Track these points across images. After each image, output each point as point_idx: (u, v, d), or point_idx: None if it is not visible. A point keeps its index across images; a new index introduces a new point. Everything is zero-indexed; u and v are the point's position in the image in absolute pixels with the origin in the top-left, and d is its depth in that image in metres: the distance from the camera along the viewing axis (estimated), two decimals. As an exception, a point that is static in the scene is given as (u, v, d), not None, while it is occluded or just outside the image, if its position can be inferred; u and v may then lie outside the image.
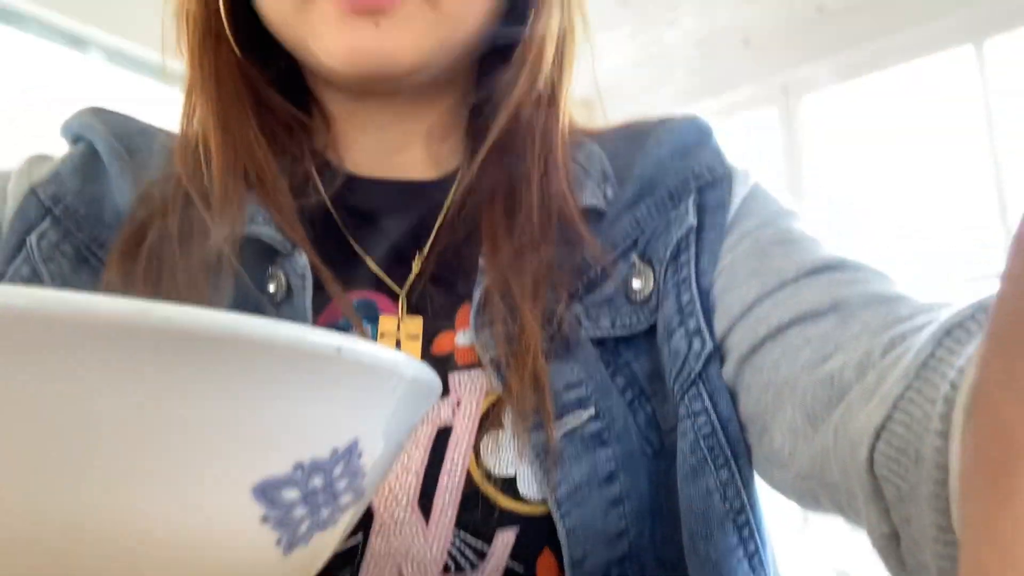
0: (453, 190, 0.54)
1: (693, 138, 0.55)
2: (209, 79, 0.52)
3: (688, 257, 0.49)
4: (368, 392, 0.22)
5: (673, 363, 0.47)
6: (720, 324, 0.47)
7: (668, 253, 0.49)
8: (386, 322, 0.50)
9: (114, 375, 0.17)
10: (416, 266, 0.52)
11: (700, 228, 0.50)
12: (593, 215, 0.51)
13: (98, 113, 0.56)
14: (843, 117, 2.76)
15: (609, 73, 3.02)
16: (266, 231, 0.49)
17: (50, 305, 0.16)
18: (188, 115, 0.53)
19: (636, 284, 0.49)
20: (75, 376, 0.17)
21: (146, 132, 0.56)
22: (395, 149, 0.56)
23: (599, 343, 0.48)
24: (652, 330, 0.49)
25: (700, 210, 0.51)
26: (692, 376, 0.46)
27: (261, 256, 0.49)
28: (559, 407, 0.46)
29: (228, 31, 0.52)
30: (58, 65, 2.44)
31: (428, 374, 0.25)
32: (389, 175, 0.56)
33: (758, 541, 0.46)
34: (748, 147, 2.99)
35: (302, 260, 0.48)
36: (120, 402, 0.17)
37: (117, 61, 2.50)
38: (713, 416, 0.45)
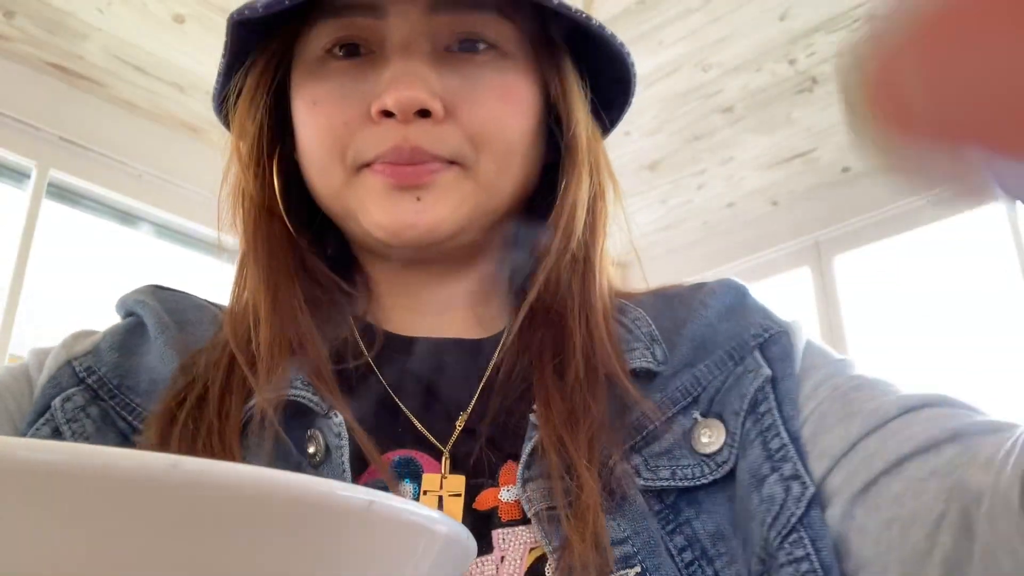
0: (498, 350, 0.55)
1: (733, 299, 0.56)
2: (262, 253, 0.55)
3: (769, 406, 0.49)
4: (402, 549, 0.22)
5: (768, 510, 0.45)
6: (818, 466, 0.46)
7: (745, 404, 0.49)
8: (429, 480, 0.50)
9: (141, 531, 0.17)
10: (460, 424, 0.52)
11: (774, 379, 0.50)
12: (644, 375, 0.52)
13: (154, 290, 0.59)
14: (877, 275, 2.76)
15: (640, 236, 3.08)
16: (304, 394, 0.50)
17: (80, 458, 0.16)
18: (240, 284, 0.56)
19: (704, 438, 0.49)
20: (102, 531, 0.17)
21: (201, 307, 0.59)
22: (438, 311, 0.58)
23: (658, 498, 0.47)
24: (717, 484, 0.48)
25: (769, 362, 0.51)
26: (792, 522, 0.44)
27: (300, 419, 0.50)
28: (605, 563, 0.44)
29: (282, 208, 0.57)
30: (110, 240, 2.54)
31: (463, 532, 0.24)
32: (432, 335, 0.57)
33: None
34: (784, 306, 3.00)
35: (339, 420, 0.49)
36: (147, 559, 0.17)
37: (166, 236, 2.60)
38: (816, 563, 0.43)
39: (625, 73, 0.58)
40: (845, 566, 0.44)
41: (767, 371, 0.50)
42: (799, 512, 0.44)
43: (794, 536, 0.44)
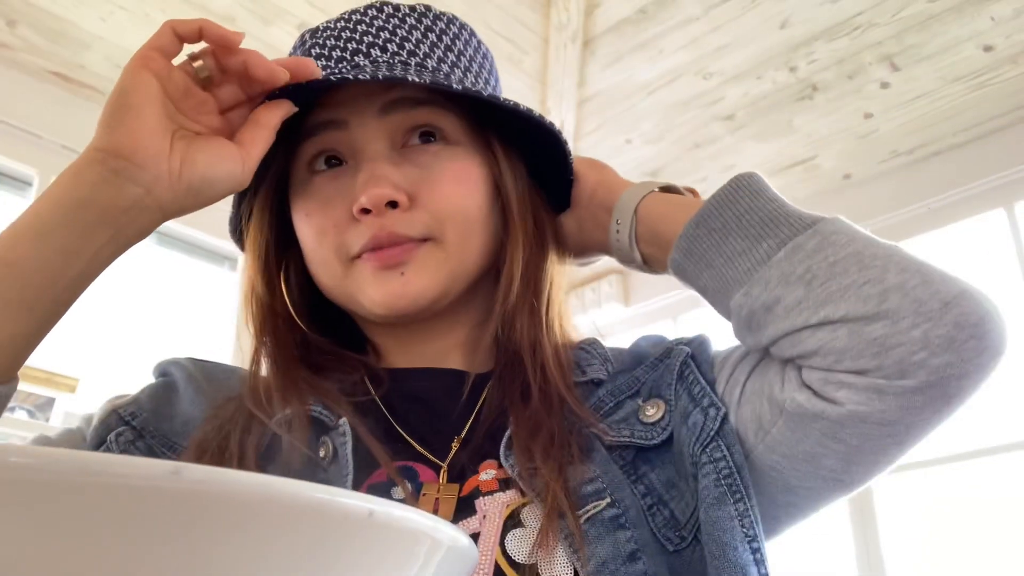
0: (489, 386, 0.67)
1: (662, 336, 0.73)
2: (270, 343, 0.68)
3: (691, 369, 0.64)
4: (403, 557, 0.22)
5: (692, 433, 0.60)
6: (724, 394, 0.64)
7: (674, 376, 0.64)
8: (428, 487, 0.61)
9: (144, 536, 0.17)
10: (455, 445, 0.64)
11: (693, 355, 0.66)
12: (598, 383, 0.67)
13: (189, 359, 0.72)
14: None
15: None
16: (317, 409, 0.62)
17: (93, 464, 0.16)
18: (255, 365, 0.68)
19: (648, 412, 0.63)
20: (106, 536, 0.17)
21: (228, 370, 0.72)
22: (438, 360, 0.70)
23: (620, 455, 0.61)
24: (664, 445, 0.62)
25: (690, 348, 0.67)
26: (711, 434, 0.59)
27: (314, 432, 0.61)
28: (580, 498, 0.57)
29: (289, 303, 0.70)
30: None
31: (464, 540, 0.24)
32: (432, 365, 0.70)
33: (767, 569, 0.56)
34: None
35: (344, 425, 0.60)
36: (149, 564, 0.17)
37: (167, 243, 2.60)
38: (730, 461, 0.58)
39: (560, 147, 0.70)
40: (747, 447, 0.60)
41: (687, 350, 0.66)
42: (715, 427, 0.60)
43: (712, 444, 0.59)
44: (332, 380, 0.66)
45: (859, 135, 2.59)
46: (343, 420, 0.61)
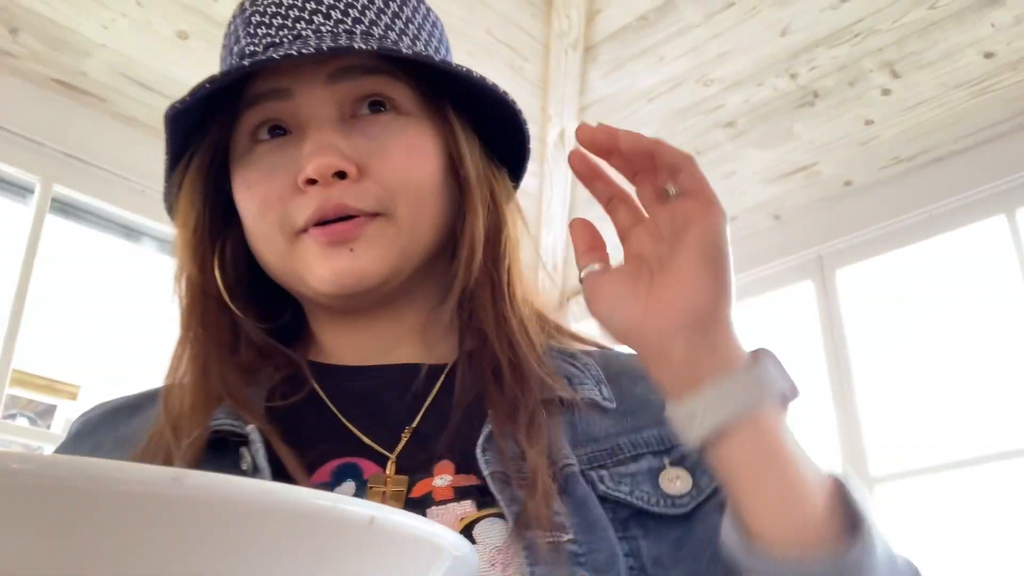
0: (444, 373, 0.64)
1: None
2: (197, 331, 0.64)
3: None
4: (406, 563, 0.22)
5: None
6: None
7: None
8: (375, 479, 0.57)
9: (143, 543, 0.17)
10: (406, 435, 0.60)
11: None
12: (592, 406, 0.62)
13: (101, 407, 0.68)
14: (880, 289, 2.76)
15: (643, 250, 3.08)
16: (225, 423, 0.57)
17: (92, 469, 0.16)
18: (176, 360, 0.63)
19: (672, 481, 0.57)
20: (105, 542, 0.17)
21: (152, 395, 0.66)
22: (387, 349, 0.66)
23: (613, 509, 0.56)
24: (669, 520, 0.56)
25: None
26: None
27: (230, 447, 0.57)
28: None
29: (221, 287, 0.65)
30: (113, 255, 2.54)
31: (466, 545, 0.24)
32: (382, 363, 0.65)
33: None
34: (786, 320, 2.99)
35: (253, 433, 0.56)
36: (149, 571, 0.17)
37: (168, 250, 2.60)
38: None
39: (515, 117, 0.66)
40: None
41: None
42: None
43: None
44: (263, 377, 0.63)
45: (860, 142, 2.59)
46: (250, 427, 0.56)
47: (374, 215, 0.60)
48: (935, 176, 2.59)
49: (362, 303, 0.64)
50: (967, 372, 2.52)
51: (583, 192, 2.65)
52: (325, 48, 0.57)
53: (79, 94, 2.33)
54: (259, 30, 0.62)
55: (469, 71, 0.62)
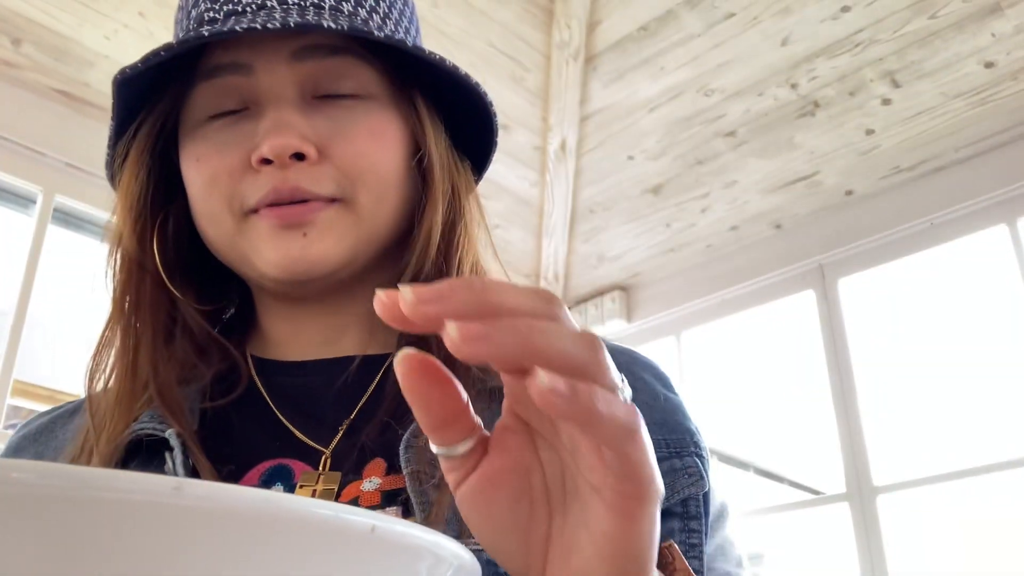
0: (386, 365, 0.60)
1: (663, 387, 0.62)
2: (130, 311, 0.60)
3: (699, 516, 0.56)
4: (404, 573, 0.21)
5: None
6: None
7: (676, 499, 0.55)
8: (306, 477, 0.54)
9: (144, 552, 0.17)
10: (342, 430, 0.57)
11: (706, 495, 0.57)
12: None
13: (17, 430, 0.66)
14: (881, 298, 2.76)
15: (645, 259, 3.08)
16: (148, 426, 0.54)
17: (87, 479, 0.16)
18: (103, 343, 0.60)
19: None
20: (106, 552, 0.17)
21: (73, 409, 0.64)
22: (332, 339, 0.63)
23: None
24: None
25: (706, 490, 0.58)
26: None
27: (155, 451, 0.54)
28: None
29: (159, 265, 0.61)
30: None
31: (467, 555, 0.24)
32: (323, 357, 0.63)
33: None
34: (788, 330, 2.99)
35: (172, 438, 0.53)
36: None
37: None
38: None
39: (484, 108, 0.63)
40: None
41: (706, 485, 0.57)
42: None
43: None
44: (200, 371, 0.59)
45: (861, 151, 2.60)
46: (169, 432, 0.53)
47: (331, 200, 0.57)
48: (936, 185, 2.60)
49: (310, 290, 0.61)
50: (969, 381, 2.51)
51: (584, 202, 2.65)
52: (292, 24, 0.54)
53: (81, 104, 2.34)
54: None
55: (442, 59, 0.59)
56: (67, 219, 2.43)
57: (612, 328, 3.17)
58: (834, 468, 2.60)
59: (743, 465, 4.70)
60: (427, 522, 0.48)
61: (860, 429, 2.55)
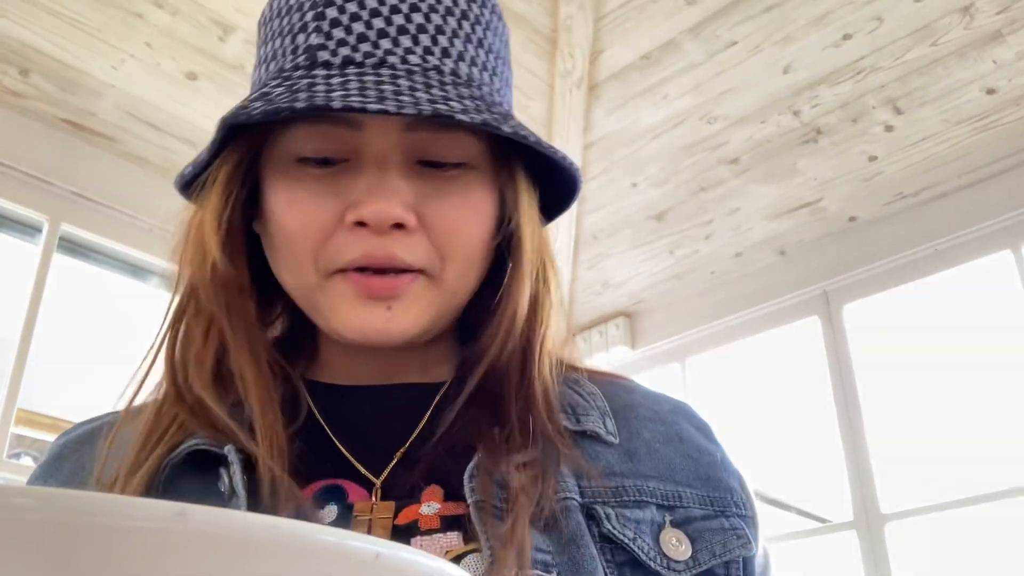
0: (438, 398, 0.60)
1: (705, 441, 0.63)
2: (238, 329, 0.58)
3: (737, 570, 0.56)
4: (408, 601, 0.21)
5: None
6: None
7: (724, 558, 0.56)
8: (361, 507, 0.54)
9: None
10: (395, 459, 0.57)
11: (746, 560, 0.57)
12: (594, 437, 0.58)
13: (77, 426, 0.65)
14: (886, 323, 2.76)
15: (649, 286, 3.08)
16: (201, 441, 0.54)
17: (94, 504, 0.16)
18: (188, 344, 0.59)
19: (672, 542, 0.55)
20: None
21: (139, 409, 0.61)
22: (390, 372, 0.62)
23: (611, 553, 0.53)
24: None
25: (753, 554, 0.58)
26: None
27: (211, 464, 0.54)
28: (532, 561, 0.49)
29: (250, 285, 0.60)
30: (120, 293, 2.55)
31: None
32: (378, 383, 0.62)
33: None
34: (793, 356, 2.98)
35: (231, 454, 0.52)
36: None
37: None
38: None
39: (572, 179, 0.62)
40: None
41: (754, 549, 0.57)
42: None
43: None
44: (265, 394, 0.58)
45: (864, 178, 2.60)
46: (228, 448, 0.52)
47: (419, 271, 0.56)
48: (939, 211, 2.60)
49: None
50: (975, 407, 2.50)
51: (588, 229, 2.67)
52: (427, 112, 0.51)
53: (88, 134, 2.36)
54: (335, 31, 0.56)
55: (554, 150, 0.58)
56: (72, 247, 2.44)
57: (616, 355, 3.17)
58: (841, 496, 2.58)
59: (749, 493, 4.66)
60: (493, 552, 0.49)
61: (867, 456, 2.54)
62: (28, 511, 0.16)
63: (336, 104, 0.51)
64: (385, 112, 0.51)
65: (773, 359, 3.11)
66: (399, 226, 0.55)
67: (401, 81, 0.54)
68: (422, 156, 0.57)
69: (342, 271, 0.56)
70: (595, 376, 0.66)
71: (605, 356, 3.15)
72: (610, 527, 0.53)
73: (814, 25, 2.35)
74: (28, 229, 2.36)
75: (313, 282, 0.57)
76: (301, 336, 0.66)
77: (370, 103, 0.51)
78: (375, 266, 0.55)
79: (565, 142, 2.77)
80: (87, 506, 0.16)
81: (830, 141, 2.55)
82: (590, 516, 0.53)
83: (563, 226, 2.97)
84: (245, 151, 0.59)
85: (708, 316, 3.00)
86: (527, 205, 0.61)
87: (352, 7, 0.56)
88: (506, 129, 0.55)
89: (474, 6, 0.60)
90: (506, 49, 0.65)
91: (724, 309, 2.98)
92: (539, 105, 2.73)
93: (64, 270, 2.40)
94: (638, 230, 2.94)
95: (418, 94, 0.53)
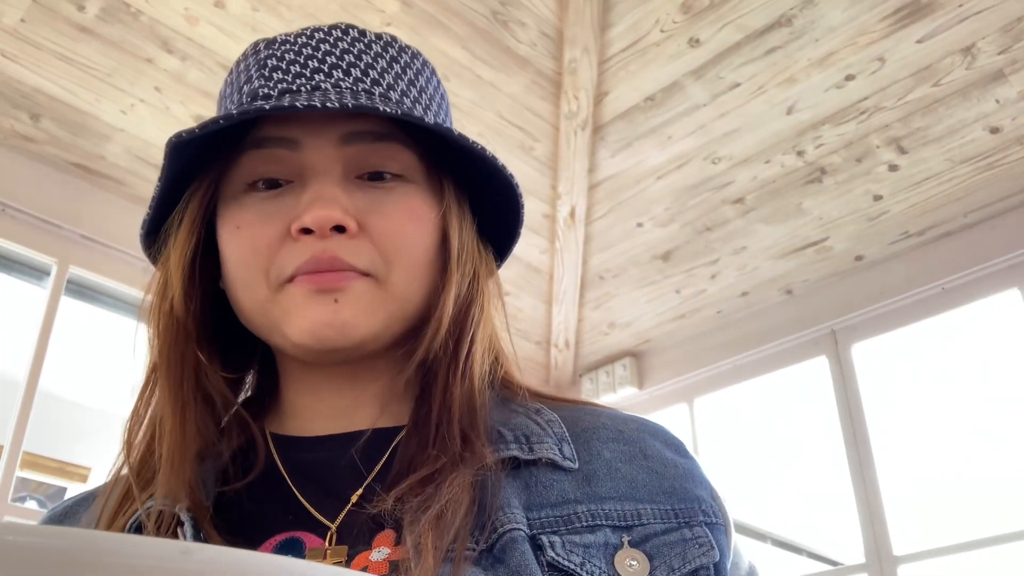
0: (397, 439, 0.61)
1: (676, 455, 0.63)
2: (175, 374, 0.61)
3: None
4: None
5: None
6: None
7: (686, 568, 0.55)
8: (312, 553, 0.55)
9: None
10: (351, 503, 0.57)
11: (718, 565, 0.57)
12: (550, 465, 0.58)
13: (63, 503, 0.68)
14: (895, 363, 2.74)
15: (655, 326, 3.08)
16: (158, 503, 0.55)
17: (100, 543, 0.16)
18: (144, 400, 0.63)
19: (629, 562, 0.54)
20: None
21: (99, 492, 0.64)
22: (348, 411, 0.64)
23: (556, 570, 0.52)
24: None
25: (719, 547, 0.58)
26: None
27: (167, 528, 0.55)
28: None
29: (195, 332, 0.62)
30: (126, 335, 2.56)
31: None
32: (338, 432, 0.63)
33: None
34: (802, 396, 2.97)
35: (186, 515, 0.54)
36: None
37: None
38: None
39: (512, 193, 0.66)
40: None
41: (717, 555, 0.56)
42: None
43: None
44: (218, 447, 0.61)
45: (869, 217, 2.61)
46: (179, 508, 0.54)
47: (365, 274, 0.59)
48: (946, 250, 2.60)
49: (335, 359, 0.62)
50: (988, 446, 2.48)
51: (594, 269, 2.67)
52: (350, 105, 0.56)
53: (98, 177, 2.38)
54: (275, 74, 0.62)
55: (483, 148, 0.62)
56: (80, 290, 2.44)
57: (624, 395, 3.15)
58: (853, 537, 2.55)
59: (760, 536, 4.61)
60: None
61: (878, 497, 2.51)
62: (38, 550, 0.16)
63: (266, 107, 0.56)
64: (312, 108, 0.55)
65: (781, 399, 3.09)
66: (341, 230, 0.58)
67: (332, 95, 0.59)
68: (361, 170, 0.61)
69: (291, 279, 0.59)
70: (561, 404, 0.67)
71: (613, 396, 3.14)
72: (554, 554, 0.53)
73: (817, 66, 2.38)
74: (36, 272, 2.37)
75: (266, 296, 0.59)
76: (268, 392, 0.68)
77: (300, 101, 0.56)
78: (322, 269, 0.58)
79: (571, 183, 2.79)
80: (94, 544, 0.16)
81: (835, 181, 2.56)
82: (537, 546, 0.53)
83: (569, 267, 2.98)
84: (204, 192, 0.63)
85: (715, 356, 2.98)
86: (456, 218, 0.65)
87: (290, 56, 0.62)
88: (428, 121, 0.59)
89: (404, 55, 0.66)
90: (443, 101, 0.69)
91: (731, 349, 2.97)
92: (544, 147, 2.75)
93: (71, 312, 2.40)
94: (644, 270, 2.94)
95: (345, 100, 0.57)
